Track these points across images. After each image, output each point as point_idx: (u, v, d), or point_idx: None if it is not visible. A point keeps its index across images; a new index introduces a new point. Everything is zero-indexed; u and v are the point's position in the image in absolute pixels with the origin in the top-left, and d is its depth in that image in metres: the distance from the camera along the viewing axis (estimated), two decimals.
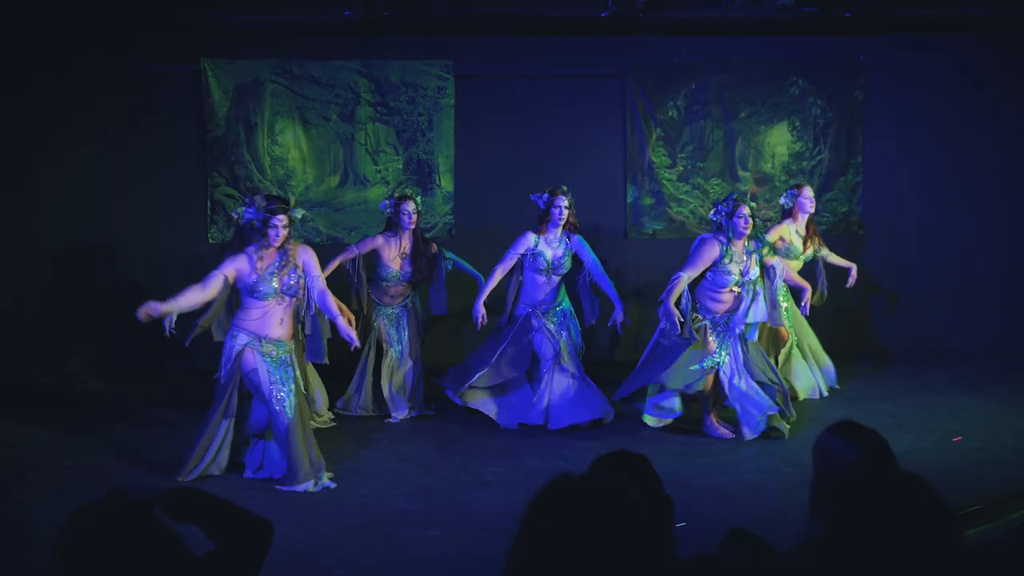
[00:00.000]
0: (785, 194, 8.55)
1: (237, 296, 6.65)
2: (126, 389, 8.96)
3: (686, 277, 7.26)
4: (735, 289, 7.41)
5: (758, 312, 7.42)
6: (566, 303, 8.03)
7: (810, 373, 8.49)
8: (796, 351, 8.45)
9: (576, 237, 7.88)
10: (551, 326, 7.84)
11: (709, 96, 10.01)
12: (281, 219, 6.44)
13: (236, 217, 6.83)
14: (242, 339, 6.50)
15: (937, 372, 9.23)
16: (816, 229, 8.63)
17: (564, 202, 7.74)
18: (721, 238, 7.35)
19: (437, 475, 6.76)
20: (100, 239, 9.54)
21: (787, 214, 8.48)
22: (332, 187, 9.79)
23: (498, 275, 7.85)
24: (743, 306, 7.42)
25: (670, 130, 10.02)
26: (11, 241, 9.44)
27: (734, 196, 7.48)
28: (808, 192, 8.43)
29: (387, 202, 8.03)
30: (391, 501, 6.21)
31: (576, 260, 7.92)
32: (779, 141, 10.12)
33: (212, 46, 9.54)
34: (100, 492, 2.40)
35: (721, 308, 7.45)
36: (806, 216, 8.43)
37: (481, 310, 7.82)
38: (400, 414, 8.00)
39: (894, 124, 10.16)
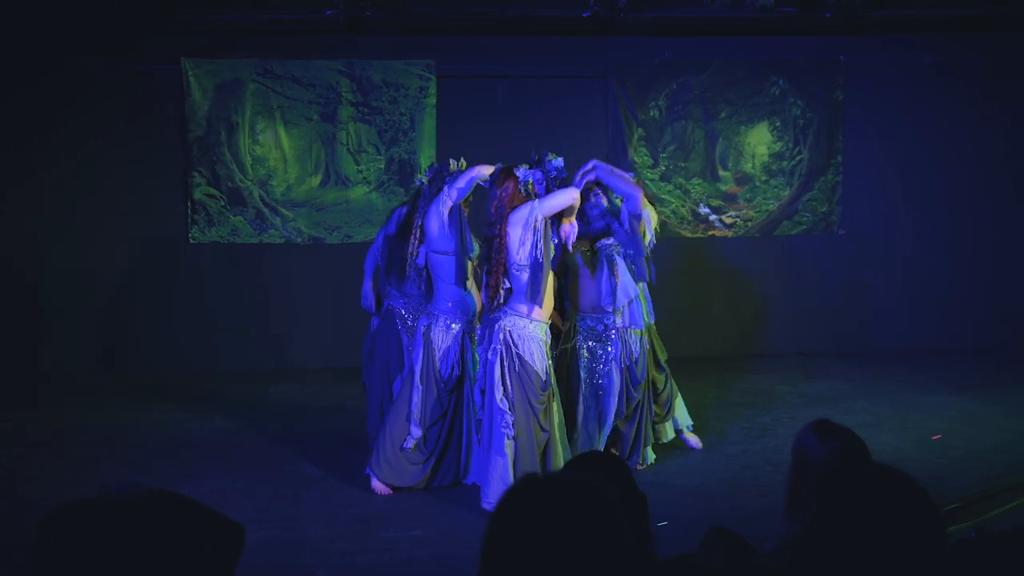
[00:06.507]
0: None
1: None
2: (112, 386, 8.93)
3: None
4: None
5: None
6: None
7: None
8: None
9: None
10: None
11: (690, 96, 10.04)
12: None
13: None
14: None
15: (920, 372, 9.25)
16: None
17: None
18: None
19: None
20: (81, 238, 9.49)
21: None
22: (314, 187, 9.77)
23: None
24: None
25: (651, 130, 10.05)
26: None
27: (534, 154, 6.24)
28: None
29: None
30: (376, 501, 6.22)
31: None
32: (759, 141, 10.16)
33: (193, 45, 9.51)
34: (98, 491, 2.41)
35: None
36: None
37: None
38: None
39: (874, 124, 10.21)
